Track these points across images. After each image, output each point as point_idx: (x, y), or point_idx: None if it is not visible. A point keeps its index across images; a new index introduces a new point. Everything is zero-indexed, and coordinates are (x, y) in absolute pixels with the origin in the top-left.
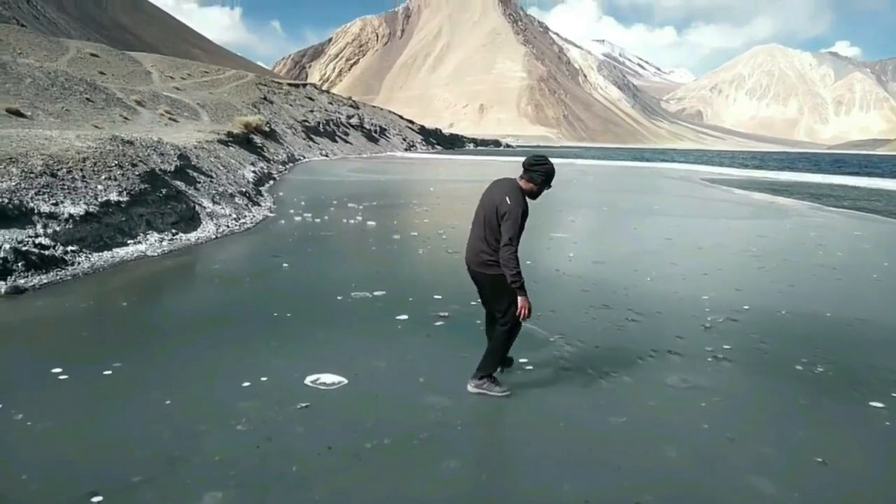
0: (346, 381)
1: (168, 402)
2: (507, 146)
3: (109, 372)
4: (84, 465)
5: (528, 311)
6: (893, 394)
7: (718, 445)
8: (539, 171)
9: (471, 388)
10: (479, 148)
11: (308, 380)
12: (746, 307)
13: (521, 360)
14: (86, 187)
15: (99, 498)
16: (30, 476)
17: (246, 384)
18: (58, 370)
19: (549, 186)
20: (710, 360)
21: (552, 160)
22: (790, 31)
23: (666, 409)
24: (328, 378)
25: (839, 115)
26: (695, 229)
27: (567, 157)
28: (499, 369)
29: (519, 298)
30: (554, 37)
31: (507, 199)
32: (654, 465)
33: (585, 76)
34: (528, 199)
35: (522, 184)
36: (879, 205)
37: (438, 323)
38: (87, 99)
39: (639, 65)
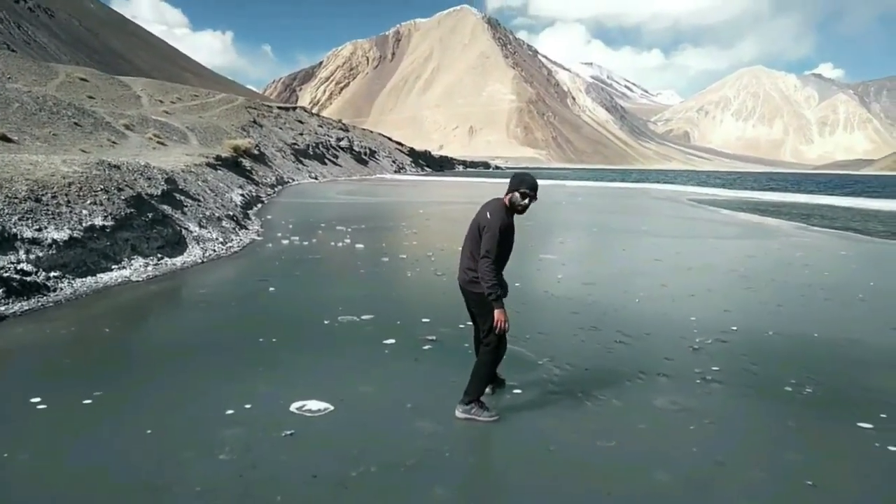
0: (332, 407)
1: (149, 431)
2: (497, 168)
3: (90, 401)
4: (62, 496)
5: (506, 325)
6: (882, 414)
7: (708, 469)
8: (513, 183)
9: (458, 413)
10: (468, 170)
11: (293, 406)
12: (735, 328)
13: (510, 384)
14: (70, 212)
15: None
16: None
17: (230, 411)
18: (36, 399)
19: (534, 198)
20: (698, 381)
21: (541, 181)
22: (775, 54)
23: (655, 433)
24: (314, 405)
25: (824, 136)
26: (683, 250)
27: (556, 179)
28: (489, 389)
29: (495, 311)
30: (543, 60)
31: (488, 214)
32: (644, 490)
33: (574, 98)
34: (513, 216)
35: (505, 200)
36: (866, 225)
37: (426, 347)
38: (76, 123)
39: (626, 87)
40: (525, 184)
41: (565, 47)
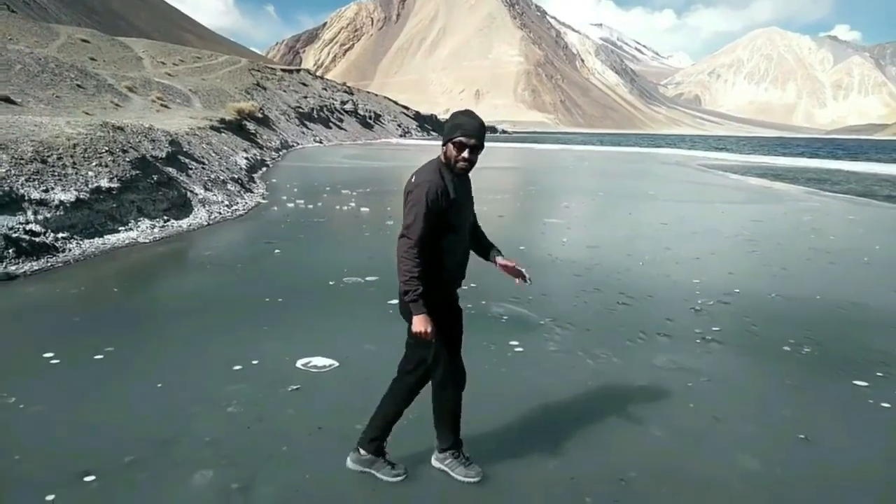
0: (336, 364)
1: (160, 385)
2: (504, 132)
3: (101, 356)
4: (76, 446)
5: (428, 334)
6: (878, 373)
7: (704, 424)
8: (446, 129)
9: (433, 461)
10: None
11: (299, 363)
12: (737, 290)
13: (512, 343)
14: (76, 174)
15: (91, 477)
16: (23, 457)
17: (237, 367)
18: (50, 355)
19: (479, 147)
20: (698, 341)
21: (549, 145)
22: (790, 15)
23: (653, 390)
24: (319, 361)
25: (837, 100)
26: (690, 214)
27: (564, 143)
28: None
29: (414, 318)
30: (551, 21)
31: (413, 177)
32: (640, 443)
33: (583, 61)
34: (460, 178)
35: (441, 156)
36: (876, 189)
37: None
38: (78, 85)
39: (637, 49)
40: (461, 129)
41: (574, 8)
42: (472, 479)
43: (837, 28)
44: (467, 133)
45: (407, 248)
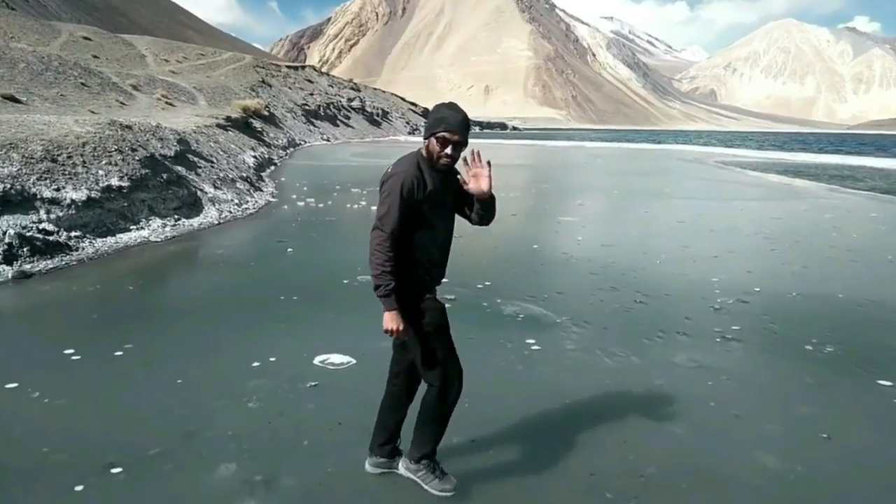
0: (353, 361)
1: (180, 380)
2: (515, 129)
3: (121, 353)
4: (102, 438)
5: (397, 332)
6: None
7: (724, 422)
8: (429, 123)
9: (401, 469)
10: (484, 131)
11: (317, 360)
12: (757, 289)
13: (528, 341)
14: (87, 172)
15: (118, 469)
16: (51, 449)
17: (255, 364)
18: (70, 351)
19: (462, 144)
20: (718, 340)
21: (561, 142)
22: (806, 6)
23: (672, 388)
24: (336, 358)
25: (858, 94)
26: (707, 212)
27: (577, 140)
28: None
29: (385, 314)
30: (560, 14)
31: (389, 168)
32: (659, 440)
33: (594, 55)
34: (439, 173)
35: (422, 149)
36: None
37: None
38: (83, 83)
39: (649, 42)
40: (444, 123)
41: (584, 0)
42: (447, 493)
43: (857, 19)
44: (451, 128)
45: (380, 241)
